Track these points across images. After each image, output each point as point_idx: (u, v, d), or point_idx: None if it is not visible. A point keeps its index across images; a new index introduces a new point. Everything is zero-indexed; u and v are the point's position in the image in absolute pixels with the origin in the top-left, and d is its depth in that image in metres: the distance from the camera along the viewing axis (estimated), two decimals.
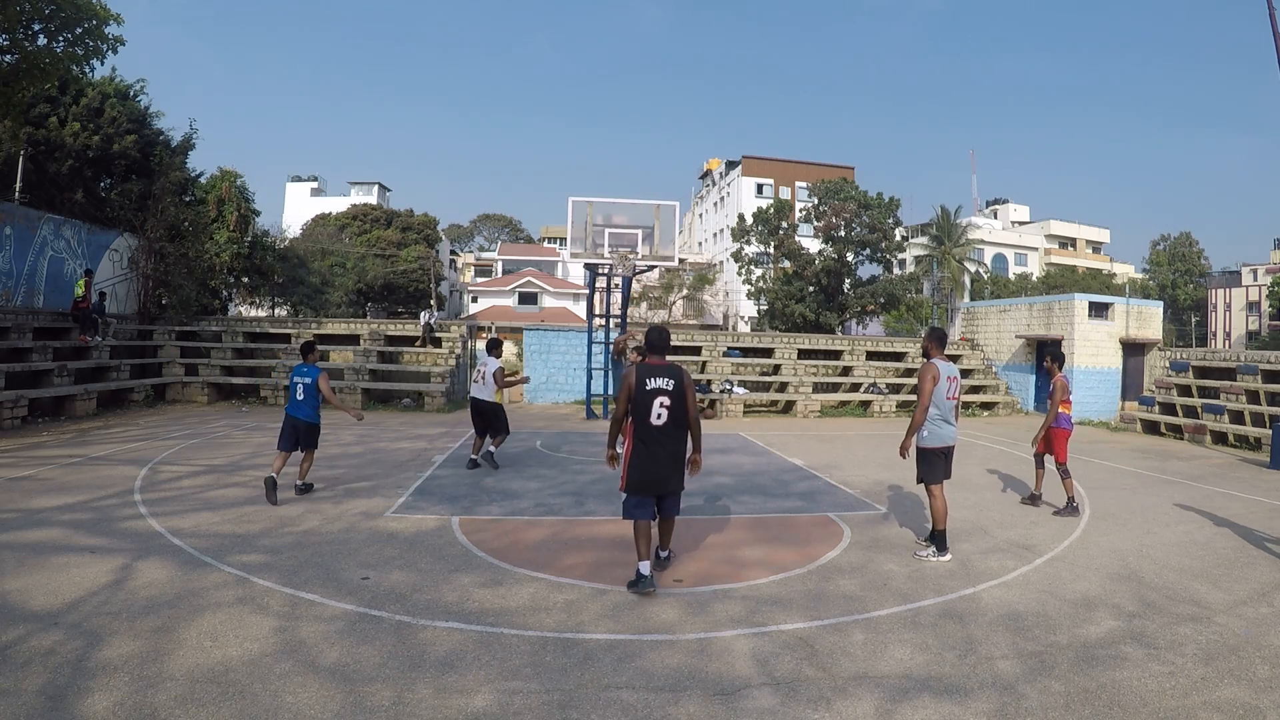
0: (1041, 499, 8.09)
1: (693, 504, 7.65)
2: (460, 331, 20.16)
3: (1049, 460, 8.11)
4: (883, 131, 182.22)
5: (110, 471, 8.55)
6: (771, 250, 33.80)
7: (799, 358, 20.23)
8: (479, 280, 59.87)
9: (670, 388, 4.99)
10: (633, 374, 5.13)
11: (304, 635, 4.10)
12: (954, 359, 21.24)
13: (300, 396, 7.56)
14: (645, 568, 4.99)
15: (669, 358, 5.22)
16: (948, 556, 5.87)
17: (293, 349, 18.51)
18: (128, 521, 6.37)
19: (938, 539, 5.93)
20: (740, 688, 3.63)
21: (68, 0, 12.57)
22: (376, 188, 60.61)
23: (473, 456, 9.46)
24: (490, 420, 9.37)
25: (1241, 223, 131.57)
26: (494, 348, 9.65)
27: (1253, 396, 14.69)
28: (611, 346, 10.60)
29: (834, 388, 19.64)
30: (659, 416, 4.99)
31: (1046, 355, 8.36)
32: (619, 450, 5.26)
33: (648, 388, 5.01)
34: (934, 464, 5.94)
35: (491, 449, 9.47)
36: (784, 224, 33.50)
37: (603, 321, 16.23)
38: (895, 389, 19.23)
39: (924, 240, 42.16)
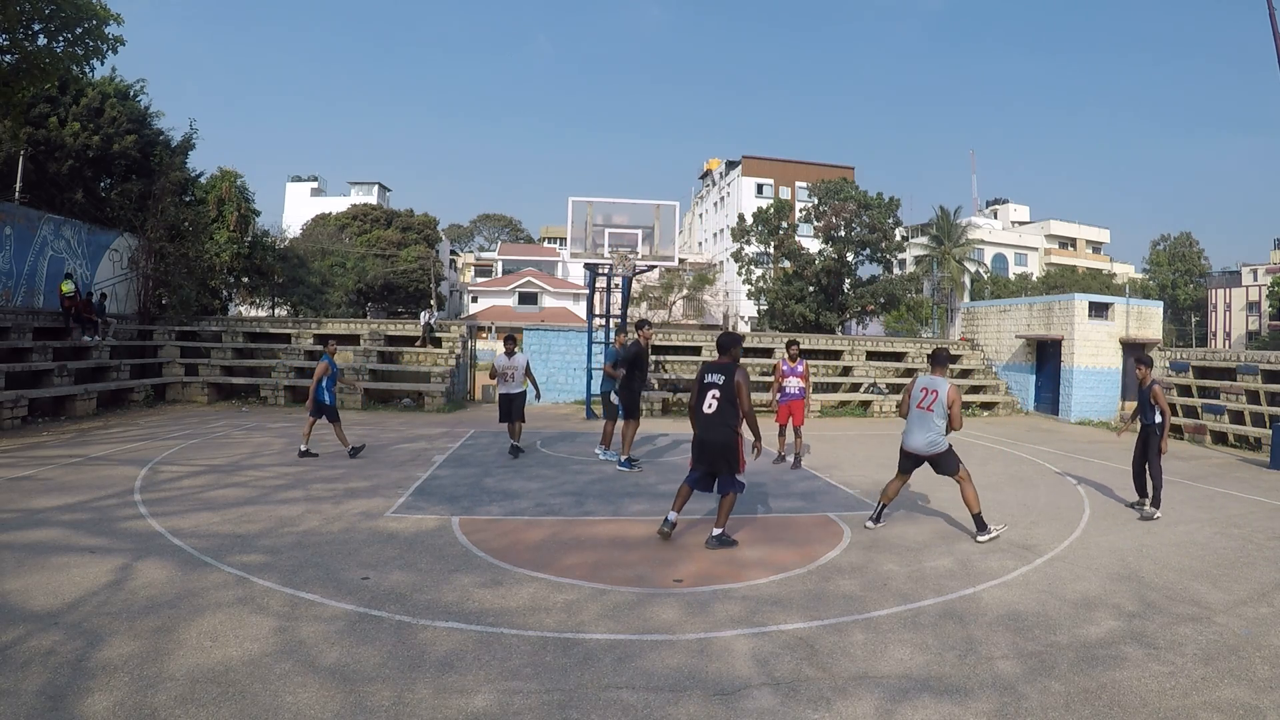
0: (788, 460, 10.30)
1: (693, 504, 7.65)
2: (460, 331, 20.16)
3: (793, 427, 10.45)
4: (883, 131, 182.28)
5: (110, 471, 8.55)
6: (771, 250, 33.80)
7: None
8: (479, 280, 59.88)
9: (721, 382, 5.88)
10: (699, 370, 6.14)
11: (304, 635, 4.10)
12: (953, 359, 21.39)
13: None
14: (671, 515, 6.18)
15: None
16: (993, 532, 6.53)
17: (293, 349, 18.57)
18: (128, 521, 6.37)
19: (977, 521, 6.52)
20: (740, 688, 3.63)
21: (68, 0, 12.57)
22: (376, 188, 60.63)
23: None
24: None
25: (1241, 223, 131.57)
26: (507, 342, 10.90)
27: (1253, 396, 14.68)
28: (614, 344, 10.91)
29: (834, 388, 19.63)
30: (710, 406, 5.90)
31: (795, 347, 10.67)
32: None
33: (704, 382, 5.99)
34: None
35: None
36: (784, 224, 33.50)
37: (603, 321, 16.23)
38: (895, 389, 19.23)
39: (924, 240, 42.18)
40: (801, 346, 20.84)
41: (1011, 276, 53.42)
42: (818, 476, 9.48)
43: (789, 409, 10.43)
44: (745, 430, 5.93)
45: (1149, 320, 19.50)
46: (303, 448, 9.82)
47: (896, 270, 37.05)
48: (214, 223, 20.24)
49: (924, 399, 6.41)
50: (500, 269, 58.75)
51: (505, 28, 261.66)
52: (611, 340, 10.91)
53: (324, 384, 9.82)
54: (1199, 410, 15.38)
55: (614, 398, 10.06)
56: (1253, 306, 58.33)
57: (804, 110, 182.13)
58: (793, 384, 10.41)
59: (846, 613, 4.68)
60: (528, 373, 10.50)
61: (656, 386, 16.51)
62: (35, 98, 16.45)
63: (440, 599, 4.72)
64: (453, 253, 68.04)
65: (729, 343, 6.13)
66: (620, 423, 9.80)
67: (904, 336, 34.17)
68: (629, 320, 15.49)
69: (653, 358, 19.10)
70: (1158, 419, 7.82)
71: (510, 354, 10.39)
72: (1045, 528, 7.08)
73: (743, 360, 19.04)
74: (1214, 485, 9.80)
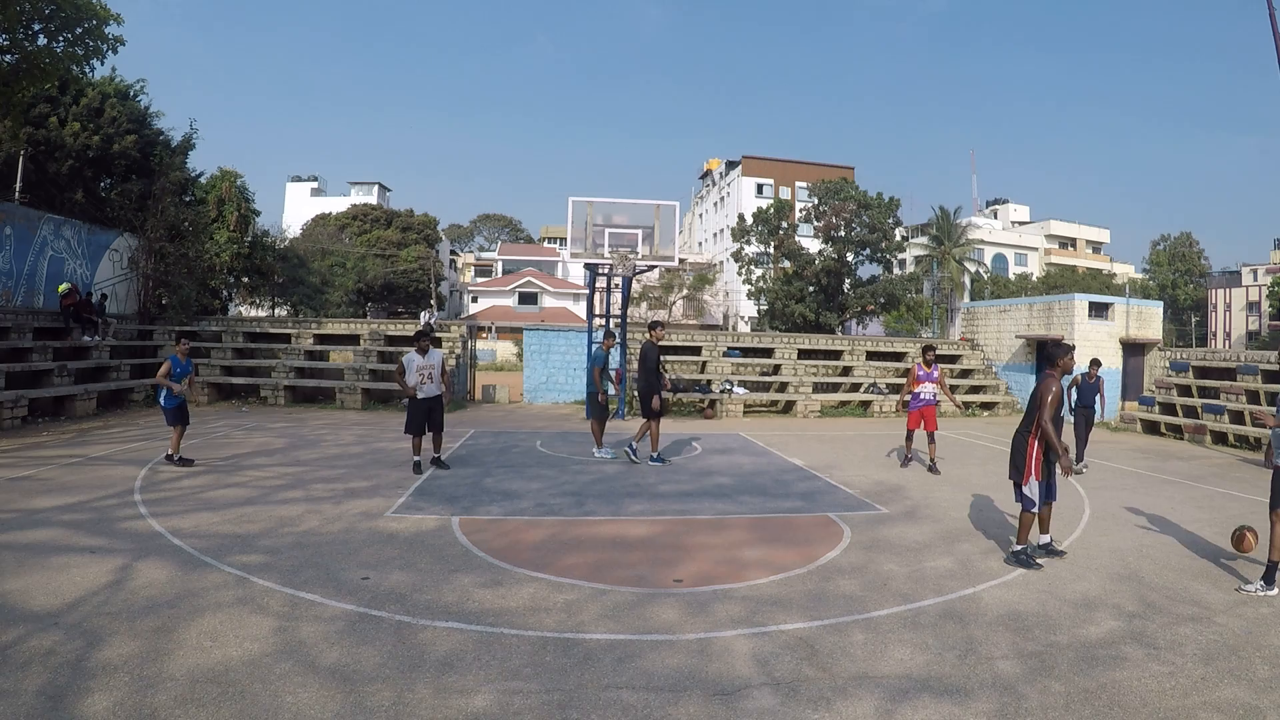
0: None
1: (693, 504, 7.67)
2: (460, 331, 20.17)
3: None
4: (883, 131, 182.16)
5: (110, 471, 8.55)
6: (771, 250, 33.80)
7: (799, 358, 20.23)
8: (479, 280, 59.92)
9: (1035, 388, 5.95)
10: None
11: (304, 635, 4.10)
12: (954, 359, 21.52)
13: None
14: (1041, 539, 6.16)
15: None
16: (1274, 591, 5.16)
17: (293, 349, 18.57)
18: (128, 521, 6.37)
19: (1269, 571, 5.25)
20: (740, 688, 3.63)
21: (68, 0, 12.58)
22: (376, 188, 60.65)
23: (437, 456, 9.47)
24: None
25: (1241, 223, 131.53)
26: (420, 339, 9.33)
27: (1253, 396, 14.68)
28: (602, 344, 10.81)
29: (834, 388, 19.63)
30: (1025, 410, 6.13)
31: (931, 352, 10.61)
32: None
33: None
34: None
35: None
36: (784, 224, 33.49)
37: (602, 321, 16.24)
38: (895, 389, 19.22)
39: (924, 240, 42.16)
40: (811, 348, 21.29)
41: (1011, 276, 53.40)
42: (818, 476, 9.48)
43: (921, 414, 10.25)
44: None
45: (1149, 320, 19.51)
46: (170, 453, 9.09)
47: (896, 270, 37.04)
48: (214, 223, 20.25)
49: None
50: (500, 269, 58.78)
51: (505, 27, 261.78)
52: (600, 342, 10.89)
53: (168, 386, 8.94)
54: (1199, 410, 15.37)
55: (607, 395, 10.42)
56: (1253, 306, 58.30)
57: (804, 110, 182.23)
58: (928, 389, 10.21)
59: (846, 613, 4.68)
60: (444, 372, 9.25)
61: None
62: (35, 98, 16.44)
63: (440, 599, 4.72)
64: (453, 253, 68.06)
65: (1055, 354, 6.03)
66: (642, 421, 10.17)
67: (904, 336, 34.18)
68: (629, 320, 15.53)
69: None
70: (1097, 404, 11.02)
71: (424, 351, 9.08)
72: None
73: (743, 362, 19.36)
74: (1214, 485, 9.80)
